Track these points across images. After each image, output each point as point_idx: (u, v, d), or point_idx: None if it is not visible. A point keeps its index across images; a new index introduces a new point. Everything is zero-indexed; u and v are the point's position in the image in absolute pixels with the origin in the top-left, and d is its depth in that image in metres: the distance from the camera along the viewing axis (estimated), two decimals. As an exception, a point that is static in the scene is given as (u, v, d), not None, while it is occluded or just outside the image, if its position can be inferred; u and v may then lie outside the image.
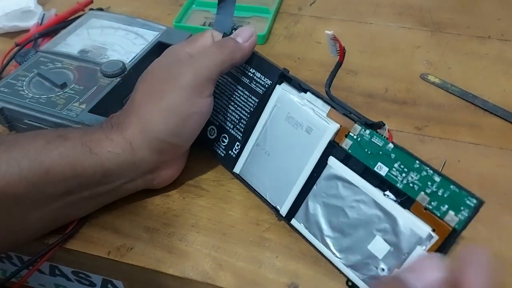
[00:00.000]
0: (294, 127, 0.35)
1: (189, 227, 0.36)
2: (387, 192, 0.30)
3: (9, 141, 0.32)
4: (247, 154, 0.38)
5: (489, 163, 0.41)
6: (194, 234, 0.36)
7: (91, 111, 0.40)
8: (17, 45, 0.52)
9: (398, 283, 0.19)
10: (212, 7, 0.59)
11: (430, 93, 0.48)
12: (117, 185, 0.35)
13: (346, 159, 0.32)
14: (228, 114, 0.39)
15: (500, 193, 0.38)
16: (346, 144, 0.32)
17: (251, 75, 0.37)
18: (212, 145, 0.40)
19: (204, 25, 0.57)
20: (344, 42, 0.34)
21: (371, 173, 0.31)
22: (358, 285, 0.31)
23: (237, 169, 0.38)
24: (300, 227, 0.34)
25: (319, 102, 0.34)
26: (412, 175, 0.29)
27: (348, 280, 0.32)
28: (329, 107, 0.33)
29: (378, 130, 0.31)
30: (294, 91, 0.35)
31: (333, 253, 0.32)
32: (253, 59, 0.37)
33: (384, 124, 0.32)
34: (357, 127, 0.32)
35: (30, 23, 0.57)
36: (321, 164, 0.33)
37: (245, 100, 0.38)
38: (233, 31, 0.37)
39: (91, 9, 0.56)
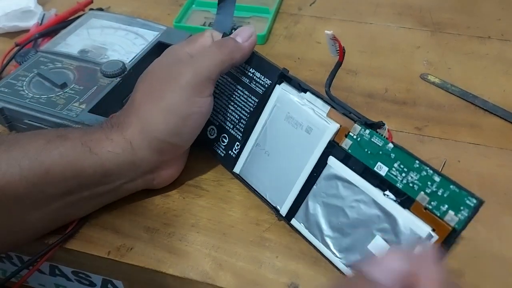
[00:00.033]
0: (294, 127, 0.35)
1: (189, 227, 0.36)
2: (387, 192, 0.30)
3: (9, 141, 0.32)
4: (247, 154, 0.38)
5: (489, 163, 0.41)
6: (194, 234, 0.36)
7: (91, 111, 0.40)
8: (17, 45, 0.52)
9: (361, 278, 0.19)
10: (212, 7, 0.59)
11: (430, 93, 0.48)
12: (117, 185, 0.35)
13: (346, 159, 0.32)
14: (228, 114, 0.39)
15: (500, 193, 0.38)
16: (346, 144, 0.32)
17: (251, 75, 0.37)
18: (212, 145, 0.40)
19: (204, 25, 0.58)
20: (344, 42, 0.34)
21: (371, 173, 0.31)
22: (358, 285, 0.31)
23: (237, 169, 0.38)
24: (300, 227, 0.34)
25: (319, 102, 0.34)
26: (412, 175, 0.29)
27: (348, 280, 0.32)
28: (329, 107, 0.33)
29: (378, 130, 0.31)
30: (294, 91, 0.35)
31: (333, 253, 0.32)
32: (253, 59, 0.37)
33: (383, 124, 0.32)
34: (357, 127, 0.32)
35: (30, 23, 0.57)
36: (321, 164, 0.33)
37: (245, 100, 0.38)
38: (233, 31, 0.37)
39: (91, 9, 0.56)
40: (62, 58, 0.46)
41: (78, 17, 0.53)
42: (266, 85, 0.37)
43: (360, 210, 0.31)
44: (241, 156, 0.38)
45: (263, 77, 0.37)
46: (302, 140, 0.34)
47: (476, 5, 0.61)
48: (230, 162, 0.39)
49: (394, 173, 0.30)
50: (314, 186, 0.34)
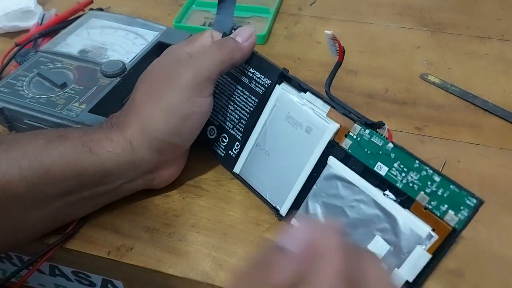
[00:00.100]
0: (293, 127, 0.35)
1: (189, 227, 0.36)
2: (387, 192, 0.30)
3: (9, 141, 0.33)
4: (247, 154, 0.38)
5: (489, 163, 0.41)
6: (194, 234, 0.36)
7: (91, 111, 0.40)
8: (17, 45, 0.52)
9: (272, 248, 0.20)
10: (212, 7, 0.59)
11: (430, 93, 0.48)
12: (117, 185, 0.35)
13: (346, 158, 0.32)
14: (228, 114, 0.39)
15: (500, 193, 0.38)
16: (346, 144, 0.32)
17: (251, 75, 0.37)
18: (212, 145, 0.40)
19: (204, 25, 0.58)
20: (344, 42, 0.34)
21: (371, 172, 0.31)
22: (358, 285, 0.31)
23: (237, 169, 0.38)
24: (300, 227, 0.34)
25: (318, 102, 0.34)
26: (411, 175, 0.29)
27: (348, 280, 0.32)
28: (329, 107, 0.33)
29: (377, 130, 0.31)
30: (293, 91, 0.35)
31: (333, 253, 0.32)
32: (253, 59, 0.37)
33: (383, 124, 0.32)
34: (357, 127, 0.32)
35: (30, 23, 0.57)
36: (321, 163, 0.33)
37: (245, 100, 0.38)
38: (233, 31, 0.37)
39: (91, 9, 0.56)
40: (62, 58, 0.46)
41: (78, 17, 0.53)
42: (266, 85, 0.37)
43: (360, 210, 0.31)
44: (241, 156, 0.38)
45: (263, 77, 0.37)
46: (302, 140, 0.34)
47: (476, 5, 0.61)
48: (230, 162, 0.39)
49: (394, 173, 0.30)
50: (314, 186, 0.34)
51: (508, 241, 0.35)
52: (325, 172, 0.33)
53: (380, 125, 0.32)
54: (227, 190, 0.39)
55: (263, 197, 0.37)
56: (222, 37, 0.38)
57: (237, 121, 0.39)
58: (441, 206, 0.28)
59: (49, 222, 0.34)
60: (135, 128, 0.34)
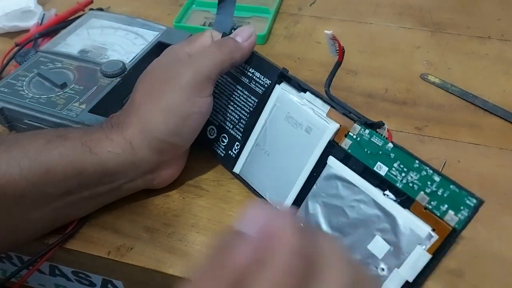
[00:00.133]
0: (293, 126, 0.35)
1: (189, 227, 0.36)
2: (387, 192, 0.30)
3: (9, 141, 0.33)
4: (246, 154, 0.38)
5: (489, 163, 0.41)
6: (194, 234, 0.36)
7: (91, 111, 0.40)
8: (17, 45, 0.52)
9: (230, 232, 0.21)
10: (212, 7, 0.59)
11: (430, 93, 0.48)
12: (117, 185, 0.35)
13: (346, 158, 0.32)
14: (228, 114, 0.39)
15: (500, 193, 0.38)
16: (346, 143, 0.32)
17: (251, 75, 0.37)
18: (212, 145, 0.40)
19: (204, 25, 0.58)
20: (344, 42, 0.34)
21: (371, 172, 0.31)
22: (358, 285, 0.31)
23: (237, 169, 0.38)
24: (300, 227, 0.34)
25: (318, 102, 0.34)
26: (411, 175, 0.29)
27: (348, 280, 0.32)
28: (328, 107, 0.33)
29: (377, 130, 0.31)
30: (293, 91, 0.35)
31: (333, 253, 0.32)
32: (253, 59, 0.37)
33: (383, 124, 0.32)
34: (357, 127, 0.32)
35: (30, 23, 0.57)
36: (321, 163, 0.33)
37: (245, 100, 0.38)
38: (233, 31, 0.37)
39: (91, 9, 0.56)
40: (62, 58, 0.46)
41: (78, 17, 0.53)
42: (266, 85, 0.37)
43: (360, 210, 0.31)
44: (241, 156, 0.38)
45: (262, 77, 0.37)
46: (302, 140, 0.34)
47: (476, 5, 0.61)
48: (230, 162, 0.39)
49: (394, 173, 0.30)
50: (314, 186, 0.34)
51: (508, 241, 0.35)
52: (325, 172, 0.33)
53: (380, 125, 0.32)
54: (227, 190, 0.39)
55: (263, 197, 0.37)
56: (222, 37, 0.38)
57: (237, 121, 0.39)
58: (441, 206, 0.28)
59: (49, 222, 0.34)
60: (135, 128, 0.34)
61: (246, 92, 0.38)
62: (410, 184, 0.29)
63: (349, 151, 0.32)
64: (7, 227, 0.32)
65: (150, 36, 0.49)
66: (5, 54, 0.51)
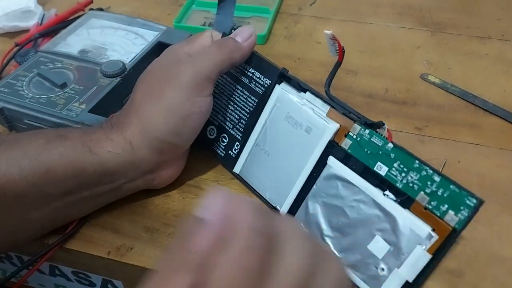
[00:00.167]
0: (293, 126, 0.35)
1: (189, 227, 0.36)
2: (387, 192, 0.30)
3: (9, 141, 0.33)
4: (246, 154, 0.38)
5: (489, 163, 0.41)
6: (194, 234, 0.36)
7: (91, 111, 0.40)
8: (17, 45, 0.52)
9: (191, 219, 0.21)
10: (212, 7, 0.59)
11: (430, 93, 0.48)
12: (117, 185, 0.35)
13: (346, 158, 0.32)
14: (228, 114, 0.39)
15: (500, 193, 0.38)
16: (346, 143, 0.32)
17: (251, 75, 0.37)
18: (212, 145, 0.40)
19: (204, 25, 0.58)
20: (344, 42, 0.34)
21: (371, 172, 0.31)
22: (358, 285, 0.31)
23: (237, 169, 0.38)
24: (300, 227, 0.34)
25: (318, 102, 0.34)
26: (411, 175, 0.29)
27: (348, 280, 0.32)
28: (328, 107, 0.33)
29: (377, 130, 0.31)
30: (293, 91, 0.35)
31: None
32: (253, 59, 0.37)
33: (383, 124, 0.32)
34: (357, 127, 0.32)
35: (30, 23, 0.57)
36: (321, 163, 0.33)
37: (245, 100, 0.38)
38: (233, 31, 0.37)
39: (91, 9, 0.56)
40: (62, 58, 0.46)
41: (78, 17, 0.53)
42: (266, 85, 0.37)
43: (360, 210, 0.31)
44: (241, 156, 0.38)
45: (262, 77, 0.37)
46: (302, 140, 0.34)
47: (476, 5, 0.61)
48: (230, 162, 0.39)
49: (394, 173, 0.30)
50: (314, 186, 0.34)
51: (508, 241, 0.35)
52: (325, 172, 0.33)
53: (380, 125, 0.32)
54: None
55: (263, 197, 0.37)
56: (222, 37, 0.38)
57: (237, 121, 0.39)
58: (441, 206, 0.28)
59: (49, 222, 0.34)
60: (135, 128, 0.34)
61: (246, 92, 0.38)
62: (410, 184, 0.29)
63: (349, 151, 0.32)
64: (7, 227, 0.32)
65: (150, 36, 0.49)
66: (5, 54, 0.51)
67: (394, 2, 0.62)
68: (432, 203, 0.28)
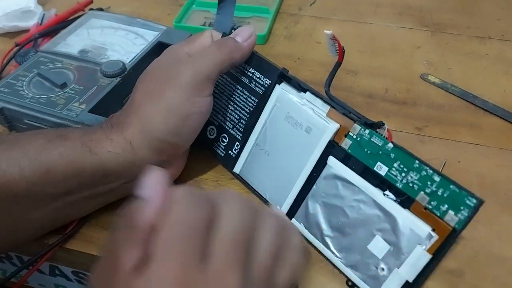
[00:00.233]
0: (293, 126, 0.35)
1: (189, 227, 0.36)
2: (387, 192, 0.30)
3: (9, 140, 0.33)
4: (246, 154, 0.38)
5: (489, 163, 0.41)
6: (194, 234, 0.36)
7: (91, 111, 0.40)
8: (17, 45, 0.52)
9: (136, 203, 0.23)
10: (212, 7, 0.59)
11: (430, 93, 0.48)
12: (117, 185, 0.35)
13: (346, 158, 0.32)
14: (228, 114, 0.39)
15: (500, 193, 0.38)
16: (346, 143, 0.32)
17: (251, 75, 0.38)
18: (212, 145, 0.40)
19: (204, 25, 0.58)
20: (344, 42, 0.34)
21: (371, 172, 0.31)
22: (358, 285, 0.31)
23: (237, 169, 0.38)
24: (300, 227, 0.34)
25: (318, 102, 0.34)
26: (411, 175, 0.29)
27: (348, 280, 0.32)
28: (328, 107, 0.33)
29: (377, 130, 0.31)
30: (293, 91, 0.35)
31: (333, 253, 0.32)
32: (253, 59, 0.37)
33: (383, 124, 0.32)
34: (357, 127, 0.32)
35: (30, 23, 0.57)
36: (321, 163, 0.33)
37: (245, 100, 0.38)
38: (233, 31, 0.37)
39: (91, 9, 0.56)
40: (62, 58, 0.46)
41: (78, 17, 0.53)
42: (266, 85, 0.37)
43: (360, 210, 0.31)
44: (241, 156, 0.38)
45: (262, 77, 0.37)
46: (302, 140, 0.34)
47: (476, 5, 0.61)
48: (230, 162, 0.39)
49: (394, 173, 0.30)
50: (314, 186, 0.34)
51: (508, 241, 0.35)
52: (325, 172, 0.33)
53: (380, 125, 0.32)
54: (227, 190, 0.39)
55: (263, 197, 0.37)
56: (222, 37, 0.38)
57: (237, 121, 0.39)
58: (441, 206, 0.28)
59: (49, 222, 0.34)
60: (135, 128, 0.34)
61: (246, 92, 0.38)
62: (410, 184, 0.29)
63: (349, 151, 0.32)
64: (7, 227, 0.32)
65: (150, 36, 0.49)
66: (5, 54, 0.51)
67: (394, 2, 0.62)
68: (432, 203, 0.28)
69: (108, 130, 0.34)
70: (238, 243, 0.22)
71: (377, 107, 0.47)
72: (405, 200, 0.29)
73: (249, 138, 0.38)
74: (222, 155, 0.40)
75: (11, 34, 0.57)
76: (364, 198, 0.31)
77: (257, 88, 0.37)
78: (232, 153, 0.39)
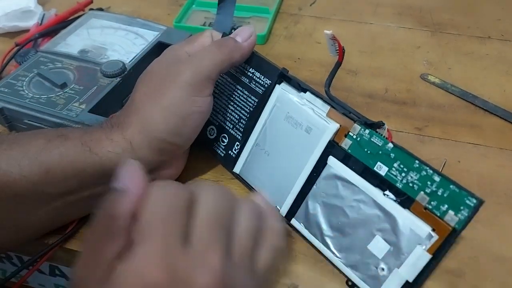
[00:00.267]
0: (293, 126, 0.35)
1: (189, 227, 0.36)
2: (387, 192, 0.30)
3: (9, 140, 0.32)
4: (246, 154, 0.38)
5: (489, 163, 0.41)
6: (194, 234, 0.36)
7: (91, 111, 0.40)
8: (17, 45, 0.52)
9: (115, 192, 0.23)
10: (212, 7, 0.59)
11: (430, 93, 0.48)
12: (117, 185, 0.35)
13: (346, 158, 0.32)
14: (228, 114, 0.39)
15: (500, 193, 0.38)
16: (346, 143, 0.32)
17: (251, 75, 0.38)
18: (212, 145, 0.40)
19: (204, 25, 0.58)
20: (344, 42, 0.34)
21: (371, 172, 0.31)
22: (358, 285, 0.31)
23: (237, 169, 0.38)
24: (300, 227, 0.34)
25: (318, 102, 0.34)
26: (411, 175, 0.29)
27: (348, 280, 0.32)
28: (328, 107, 0.33)
29: (377, 130, 0.31)
30: (293, 91, 0.35)
31: (333, 253, 0.32)
32: (253, 59, 0.37)
33: (383, 124, 0.32)
34: (357, 127, 0.32)
35: (30, 23, 0.57)
36: (321, 163, 0.33)
37: (245, 100, 0.38)
38: (233, 31, 0.37)
39: (91, 9, 0.56)
40: (62, 58, 0.46)
41: (78, 17, 0.53)
42: (266, 85, 0.37)
43: (360, 210, 0.31)
44: (241, 156, 0.38)
45: (262, 77, 0.37)
46: (302, 140, 0.34)
47: (476, 5, 0.61)
48: (230, 162, 0.39)
49: (394, 173, 0.30)
50: (314, 186, 0.34)
51: (508, 241, 0.35)
52: (325, 172, 0.33)
53: (380, 125, 0.32)
54: (227, 190, 0.39)
55: (263, 197, 0.37)
56: (222, 37, 0.38)
57: (237, 121, 0.39)
58: (441, 206, 0.28)
59: (49, 222, 0.34)
60: (135, 128, 0.34)
61: (246, 92, 0.38)
62: (410, 184, 0.29)
63: (349, 151, 0.32)
64: (7, 227, 0.32)
65: (150, 36, 0.49)
66: (5, 54, 0.51)
67: (394, 2, 0.62)
68: (432, 203, 0.28)
69: (108, 130, 0.34)
70: (218, 223, 0.23)
71: (377, 107, 0.47)
72: (405, 200, 0.29)
73: (249, 138, 0.38)
74: (222, 155, 0.40)
75: (11, 34, 0.57)
76: (364, 198, 0.31)
77: (257, 88, 0.37)
78: (232, 153, 0.39)
